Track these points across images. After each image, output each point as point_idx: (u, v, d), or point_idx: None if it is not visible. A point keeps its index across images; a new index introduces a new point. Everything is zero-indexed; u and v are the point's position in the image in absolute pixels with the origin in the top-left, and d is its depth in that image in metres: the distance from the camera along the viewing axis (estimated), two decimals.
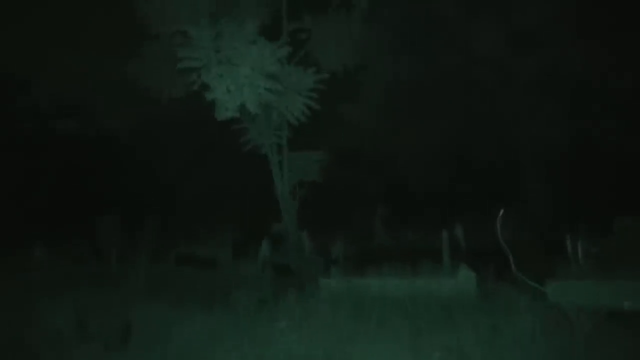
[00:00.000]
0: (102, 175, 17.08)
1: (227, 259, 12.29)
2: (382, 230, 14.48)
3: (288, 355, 6.08)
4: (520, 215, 11.73)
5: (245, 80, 9.95)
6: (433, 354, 5.61)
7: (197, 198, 16.08)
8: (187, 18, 11.47)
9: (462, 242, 11.23)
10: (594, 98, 13.95)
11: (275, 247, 12.11)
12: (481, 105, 15.77)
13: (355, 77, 15.35)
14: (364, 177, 16.69)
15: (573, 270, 8.09)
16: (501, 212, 7.65)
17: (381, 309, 7.47)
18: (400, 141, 17.08)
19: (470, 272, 8.21)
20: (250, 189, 15.14)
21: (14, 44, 15.19)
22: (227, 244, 13.06)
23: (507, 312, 6.53)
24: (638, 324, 6.22)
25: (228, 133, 12.93)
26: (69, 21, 14.99)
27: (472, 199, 14.61)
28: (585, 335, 5.82)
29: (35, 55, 15.82)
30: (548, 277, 7.62)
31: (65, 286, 10.21)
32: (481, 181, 15.33)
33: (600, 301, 6.79)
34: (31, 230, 15.12)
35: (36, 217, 16.08)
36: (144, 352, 6.55)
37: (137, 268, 11.64)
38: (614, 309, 6.63)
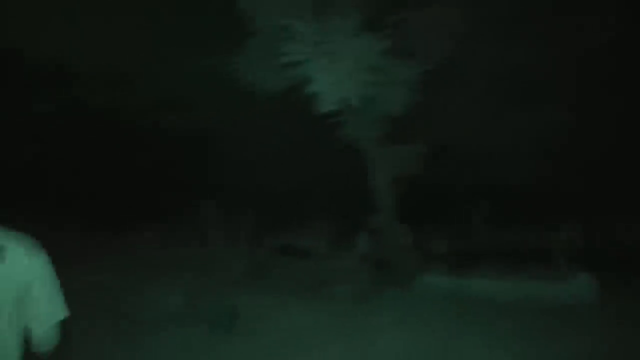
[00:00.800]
0: (204, 167, 17.91)
1: (323, 250, 12.37)
2: (483, 227, 13.82)
3: (393, 352, 5.92)
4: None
5: (347, 73, 9.85)
6: None
7: (295, 190, 16.36)
8: (289, 12, 11.56)
9: (579, 244, 10.39)
10: None
11: (372, 240, 11.97)
12: (592, 97, 14.60)
13: (455, 69, 14.74)
14: (462, 171, 16.01)
15: None
16: None
17: (488, 312, 7.09)
18: (502, 134, 16.24)
19: (589, 277, 7.53)
20: (347, 181, 15.09)
21: (118, 41, 16.11)
22: (324, 236, 13.15)
23: (637, 324, 5.91)
24: None
25: (325, 126, 12.93)
26: (169, 18, 15.66)
27: (585, 197, 13.49)
28: None
29: (137, 52, 16.68)
30: None
31: (174, 268, 10.84)
32: (594, 178, 14.11)
33: None
34: (141, 214, 16.23)
35: (144, 203, 17.23)
36: (249, 338, 6.70)
37: (239, 254, 12.07)
38: None
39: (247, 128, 17.32)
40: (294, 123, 15.79)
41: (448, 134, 15.76)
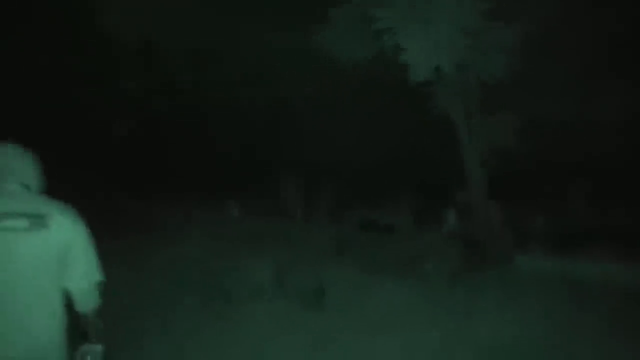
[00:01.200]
0: (284, 140, 17.89)
1: (409, 227, 11.90)
2: (585, 207, 12.73)
3: (499, 337, 5.43)
4: None
5: (442, 38, 9.09)
6: None
7: (379, 163, 15.95)
8: None
9: None
10: None
11: (461, 217, 11.33)
12: None
13: (555, 34, 13.47)
14: (560, 145, 14.82)
15: None
16: None
17: (605, 299, 6.38)
18: (605, 107, 14.85)
19: None
20: (433, 154, 14.45)
21: (203, 16, 16.13)
22: (409, 212, 12.66)
23: None
24: None
25: (413, 97, 12.28)
26: None
27: None
28: None
29: (222, 27, 16.66)
30: None
31: (257, 241, 10.81)
32: None
33: None
34: (224, 188, 16.52)
35: (226, 175, 17.55)
36: (340, 314, 6.47)
37: (321, 229, 11.90)
38: None
39: (331, 101, 17.05)
40: (379, 95, 15.30)
41: (546, 105, 14.59)
